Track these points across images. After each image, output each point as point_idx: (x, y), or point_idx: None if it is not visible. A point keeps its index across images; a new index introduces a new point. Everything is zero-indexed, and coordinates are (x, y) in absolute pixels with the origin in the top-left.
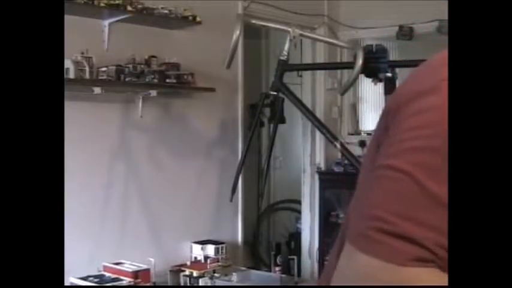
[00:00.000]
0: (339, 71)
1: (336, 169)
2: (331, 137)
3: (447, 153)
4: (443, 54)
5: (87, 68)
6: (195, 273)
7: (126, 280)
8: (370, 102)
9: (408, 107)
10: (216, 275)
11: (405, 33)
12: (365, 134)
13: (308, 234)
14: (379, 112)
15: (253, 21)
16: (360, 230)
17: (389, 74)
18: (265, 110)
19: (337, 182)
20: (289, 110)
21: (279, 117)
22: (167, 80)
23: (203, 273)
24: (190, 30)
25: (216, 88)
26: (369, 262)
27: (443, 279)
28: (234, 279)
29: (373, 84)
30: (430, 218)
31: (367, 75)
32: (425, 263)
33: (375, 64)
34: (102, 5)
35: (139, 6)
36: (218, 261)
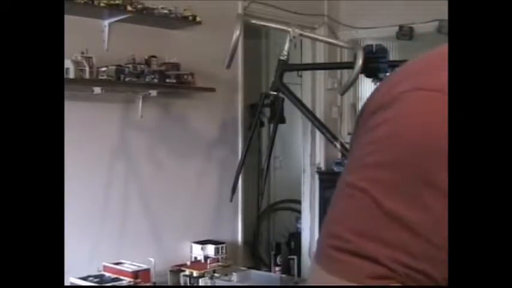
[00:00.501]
0: (339, 71)
1: (336, 169)
2: (331, 137)
3: (403, 167)
4: (414, 63)
5: (87, 68)
6: (195, 273)
7: (126, 280)
8: None
9: (369, 120)
10: (216, 275)
11: (405, 33)
12: None
13: (308, 234)
14: None
15: (253, 21)
16: (320, 247)
17: (389, 74)
18: (265, 110)
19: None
20: (289, 110)
21: (279, 117)
22: (167, 80)
23: (203, 273)
24: (190, 30)
25: (216, 88)
26: (332, 280)
27: None
28: (234, 279)
29: (373, 84)
30: (386, 234)
31: (367, 75)
32: (385, 280)
33: (375, 64)
34: (102, 5)
35: (139, 6)
36: (218, 261)
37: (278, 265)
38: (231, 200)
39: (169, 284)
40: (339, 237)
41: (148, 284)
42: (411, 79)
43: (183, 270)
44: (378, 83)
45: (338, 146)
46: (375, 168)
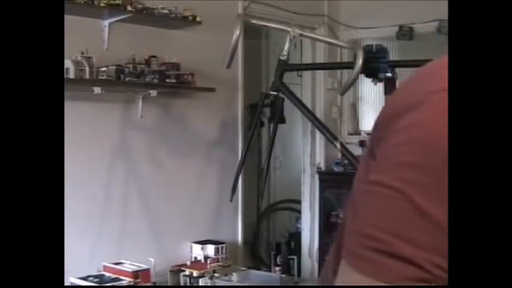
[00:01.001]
0: (339, 71)
1: (336, 169)
2: (331, 137)
3: (435, 170)
4: (434, 63)
5: (87, 68)
6: (195, 273)
7: (126, 280)
8: (370, 102)
9: (396, 121)
10: (216, 275)
11: (405, 33)
12: (365, 134)
13: (308, 234)
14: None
15: (253, 21)
16: (353, 247)
17: (389, 74)
18: (265, 110)
19: (337, 182)
20: (289, 110)
21: (279, 117)
22: (167, 80)
23: (203, 273)
24: (190, 30)
25: (216, 88)
26: (366, 282)
27: None
28: (234, 279)
29: (373, 84)
30: (423, 236)
31: (367, 75)
32: (423, 282)
33: (375, 64)
34: (102, 5)
35: (139, 6)
36: (218, 261)
37: (278, 265)
38: (231, 200)
39: (169, 284)
40: (374, 237)
41: (148, 284)
42: (434, 80)
43: (183, 270)
44: (398, 84)
45: (338, 146)
46: (408, 169)
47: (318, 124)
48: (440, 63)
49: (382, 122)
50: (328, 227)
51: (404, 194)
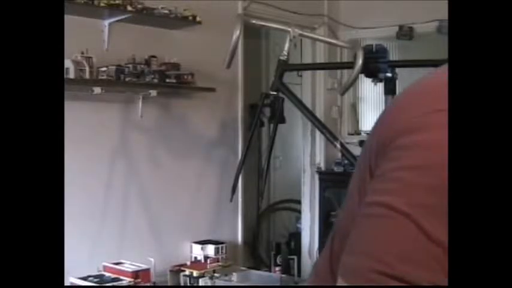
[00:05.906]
0: (339, 71)
1: (336, 169)
2: (331, 137)
3: (443, 192)
4: (428, 82)
5: (87, 68)
6: (195, 273)
7: (126, 280)
8: (370, 102)
9: (399, 141)
10: (216, 275)
11: (405, 33)
12: (365, 134)
13: (308, 234)
14: (379, 112)
15: (253, 21)
16: (359, 270)
17: (389, 74)
18: (265, 110)
19: (337, 182)
20: (289, 110)
21: (279, 117)
22: (167, 80)
23: (203, 273)
24: (190, 30)
25: (216, 88)
26: None
27: None
28: (234, 279)
29: (373, 84)
30: (430, 261)
31: (367, 75)
32: None
33: (375, 64)
34: (102, 5)
35: (139, 6)
36: (218, 261)
37: (278, 265)
38: (231, 200)
39: (169, 284)
40: (382, 261)
41: (148, 284)
42: (430, 101)
43: (183, 270)
44: (390, 103)
45: (338, 146)
46: (417, 191)
47: (318, 124)
48: (434, 82)
49: (381, 140)
50: (328, 227)
51: (412, 218)
